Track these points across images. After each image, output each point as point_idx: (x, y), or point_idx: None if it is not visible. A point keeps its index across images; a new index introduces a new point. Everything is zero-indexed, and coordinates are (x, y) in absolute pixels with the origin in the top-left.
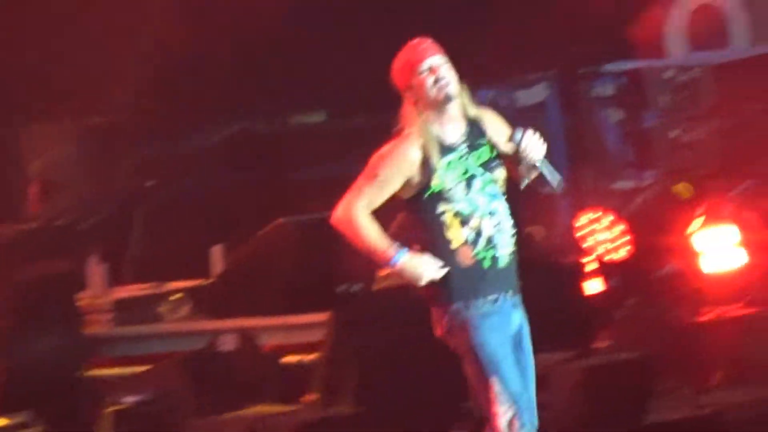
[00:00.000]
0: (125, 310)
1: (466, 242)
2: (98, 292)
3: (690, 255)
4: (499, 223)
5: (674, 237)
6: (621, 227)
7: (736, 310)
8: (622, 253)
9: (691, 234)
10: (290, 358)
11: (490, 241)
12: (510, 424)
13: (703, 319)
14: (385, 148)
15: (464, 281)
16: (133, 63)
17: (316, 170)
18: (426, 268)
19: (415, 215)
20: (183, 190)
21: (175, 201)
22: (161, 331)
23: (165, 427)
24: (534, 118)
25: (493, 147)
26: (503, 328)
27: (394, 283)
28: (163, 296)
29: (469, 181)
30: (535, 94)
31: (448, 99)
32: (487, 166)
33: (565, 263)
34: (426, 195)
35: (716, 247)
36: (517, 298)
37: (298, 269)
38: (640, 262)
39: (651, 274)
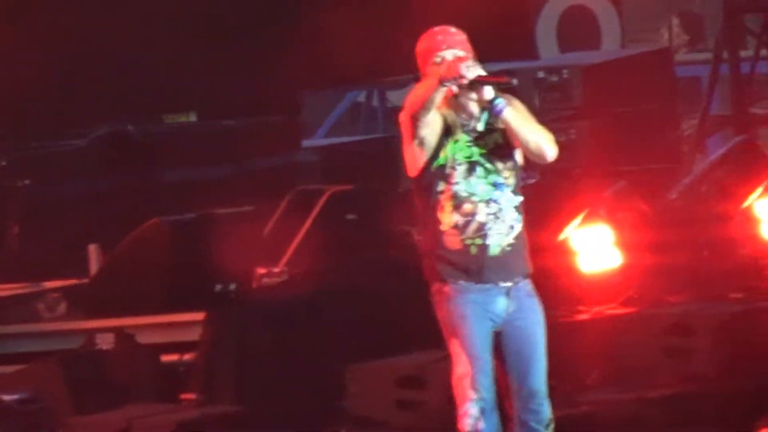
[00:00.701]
0: (1, 308)
1: (455, 226)
2: None
3: (567, 254)
4: (495, 213)
5: (550, 236)
6: None
7: (612, 310)
8: None
9: (566, 234)
10: (168, 357)
11: (480, 228)
12: (460, 379)
13: (580, 318)
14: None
15: (449, 263)
16: (3, 60)
17: (189, 171)
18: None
19: (417, 190)
20: (58, 189)
21: (50, 200)
22: (38, 330)
23: (42, 426)
24: None
25: (505, 137)
26: (481, 308)
27: (272, 281)
28: (39, 295)
29: (473, 165)
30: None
31: (459, 92)
32: (495, 154)
33: None
34: (432, 167)
35: (592, 247)
36: (513, 287)
37: (174, 268)
38: None
39: None
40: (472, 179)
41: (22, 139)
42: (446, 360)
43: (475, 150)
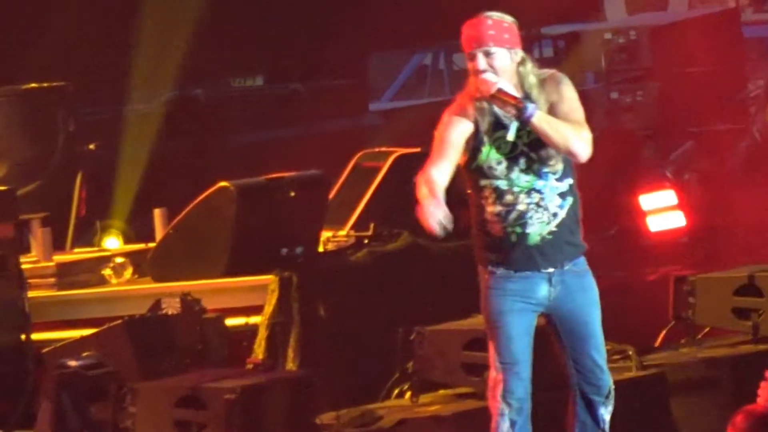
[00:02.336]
0: (68, 274)
1: (498, 214)
2: (40, 257)
3: (636, 216)
4: (537, 202)
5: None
6: None
7: (679, 271)
8: None
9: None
10: (234, 321)
11: (521, 216)
12: (494, 386)
13: (647, 278)
14: (444, 116)
15: (491, 250)
16: (67, 27)
17: (255, 134)
18: None
19: (466, 179)
20: (124, 153)
21: (116, 164)
22: (104, 295)
23: (109, 391)
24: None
25: None
26: (520, 297)
27: (338, 245)
28: (106, 260)
29: (515, 158)
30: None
31: (488, 97)
32: (539, 144)
33: None
34: (472, 167)
35: (659, 209)
36: (556, 271)
37: (241, 232)
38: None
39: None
40: (514, 173)
41: (91, 103)
42: None
43: (518, 143)
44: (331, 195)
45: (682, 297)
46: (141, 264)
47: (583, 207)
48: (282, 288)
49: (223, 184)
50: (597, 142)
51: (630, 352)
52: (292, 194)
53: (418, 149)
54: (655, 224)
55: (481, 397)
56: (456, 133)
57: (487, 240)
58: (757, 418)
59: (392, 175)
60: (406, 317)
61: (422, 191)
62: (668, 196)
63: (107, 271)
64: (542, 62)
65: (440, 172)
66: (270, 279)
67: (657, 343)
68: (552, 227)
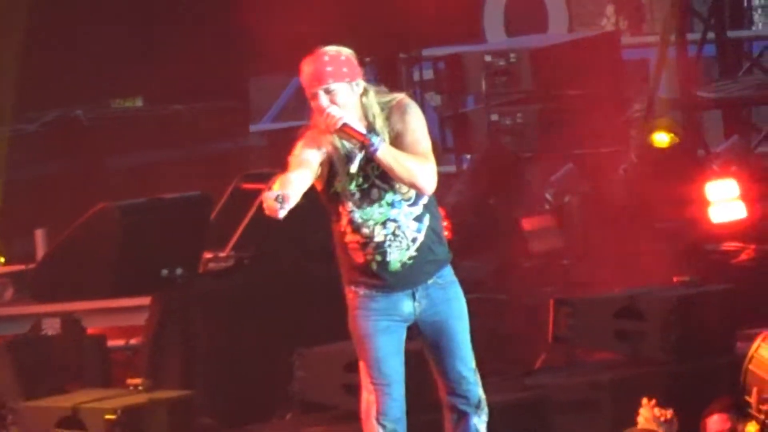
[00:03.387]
0: None
1: (357, 243)
2: None
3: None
4: (393, 231)
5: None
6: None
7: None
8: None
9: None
10: (114, 342)
11: (379, 246)
12: (367, 408)
13: (529, 301)
14: (297, 145)
15: (354, 272)
16: None
17: (137, 155)
18: None
19: (327, 208)
20: (7, 174)
21: None
22: None
23: None
24: None
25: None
26: (385, 315)
27: (218, 266)
28: None
29: (367, 191)
30: None
31: (334, 132)
32: (387, 173)
33: None
34: (329, 192)
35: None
36: (419, 287)
37: (121, 253)
38: (461, 246)
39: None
40: (366, 205)
41: None
42: None
43: (370, 174)
44: (213, 216)
45: (563, 319)
46: (22, 284)
47: (466, 228)
48: (162, 309)
49: (103, 204)
50: (479, 163)
51: (512, 374)
52: (173, 215)
53: None
54: (536, 245)
55: None
56: (311, 154)
57: (349, 263)
58: None
59: None
60: (286, 338)
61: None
62: (547, 219)
63: None
64: (423, 84)
65: (296, 175)
66: (150, 300)
67: (537, 365)
68: (412, 252)
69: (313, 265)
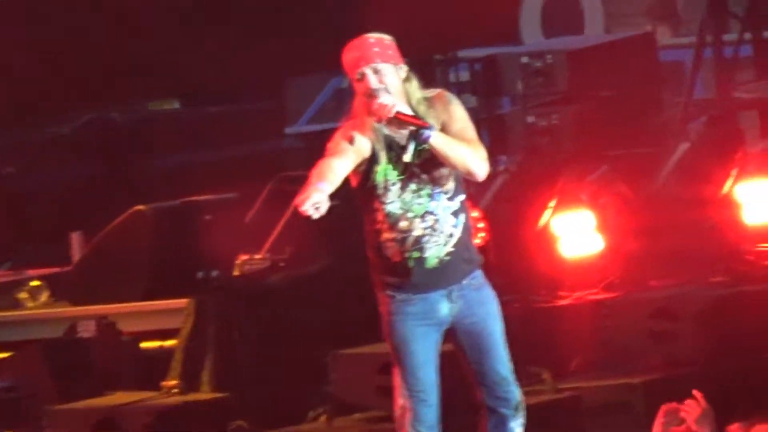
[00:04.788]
0: None
1: (394, 240)
2: None
3: (549, 239)
4: (432, 225)
5: (531, 222)
6: (475, 214)
7: (594, 295)
8: (476, 241)
9: (548, 219)
10: (149, 344)
11: (417, 242)
12: (402, 415)
13: (562, 303)
14: (337, 133)
15: (390, 274)
16: None
17: (172, 157)
18: None
19: (360, 206)
20: (41, 177)
21: (34, 188)
22: (20, 318)
23: (25, 414)
24: None
25: None
26: (421, 320)
27: (254, 268)
28: (22, 283)
29: (408, 180)
30: None
31: (386, 120)
32: (429, 164)
33: None
34: (366, 187)
35: (574, 232)
36: (455, 287)
37: (157, 255)
38: (497, 248)
39: (507, 261)
40: (406, 196)
41: (6, 126)
42: None
43: (411, 160)
44: (248, 218)
45: (599, 321)
46: (57, 287)
47: (501, 235)
48: (197, 311)
49: (138, 207)
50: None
51: (544, 376)
52: (208, 217)
53: None
54: (570, 248)
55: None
56: (352, 141)
57: (384, 265)
58: None
59: None
60: (322, 341)
61: (312, 173)
62: (585, 219)
63: (23, 294)
64: (458, 86)
65: (338, 161)
66: (185, 302)
67: (572, 367)
68: (449, 248)
69: (348, 266)
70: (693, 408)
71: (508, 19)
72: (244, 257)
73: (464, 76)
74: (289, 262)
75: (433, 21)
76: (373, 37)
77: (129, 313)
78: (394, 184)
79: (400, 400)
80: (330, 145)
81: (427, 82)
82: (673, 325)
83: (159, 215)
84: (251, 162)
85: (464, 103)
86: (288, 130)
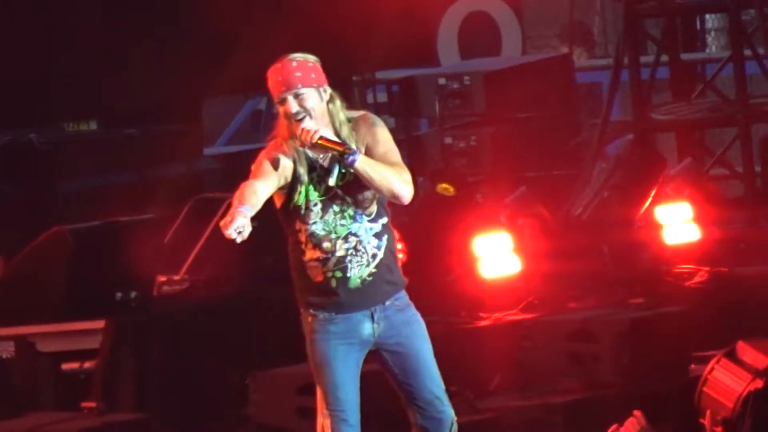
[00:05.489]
0: None
1: (317, 260)
2: None
3: (469, 260)
4: (355, 246)
5: (453, 242)
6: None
7: (513, 316)
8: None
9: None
10: (69, 365)
11: (340, 262)
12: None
13: (481, 324)
14: (261, 154)
15: (313, 294)
16: None
17: (91, 179)
18: None
19: (283, 226)
20: None
21: None
22: None
23: None
24: None
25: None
26: (344, 339)
27: (172, 289)
28: None
29: (329, 202)
30: None
31: (310, 146)
32: (351, 186)
33: None
34: (288, 208)
35: (492, 253)
36: (378, 308)
37: (75, 276)
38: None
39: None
40: (329, 217)
41: None
42: None
43: (334, 181)
44: (166, 239)
45: (518, 342)
46: None
47: (419, 253)
48: (115, 333)
49: (56, 228)
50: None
51: (464, 396)
52: (127, 238)
53: None
54: (489, 269)
55: None
56: (276, 162)
57: (307, 284)
58: None
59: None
60: (240, 362)
61: (236, 196)
62: (503, 240)
63: None
64: (376, 107)
65: (261, 184)
66: (104, 323)
67: (492, 388)
68: (371, 269)
69: (267, 287)
70: (633, 426)
71: (425, 41)
72: (163, 278)
73: (382, 97)
74: (208, 283)
75: (352, 42)
76: (296, 60)
77: (48, 333)
78: (315, 204)
79: (320, 418)
80: (253, 167)
81: (345, 102)
82: (591, 347)
83: (77, 236)
84: (170, 183)
85: None
86: (206, 151)
